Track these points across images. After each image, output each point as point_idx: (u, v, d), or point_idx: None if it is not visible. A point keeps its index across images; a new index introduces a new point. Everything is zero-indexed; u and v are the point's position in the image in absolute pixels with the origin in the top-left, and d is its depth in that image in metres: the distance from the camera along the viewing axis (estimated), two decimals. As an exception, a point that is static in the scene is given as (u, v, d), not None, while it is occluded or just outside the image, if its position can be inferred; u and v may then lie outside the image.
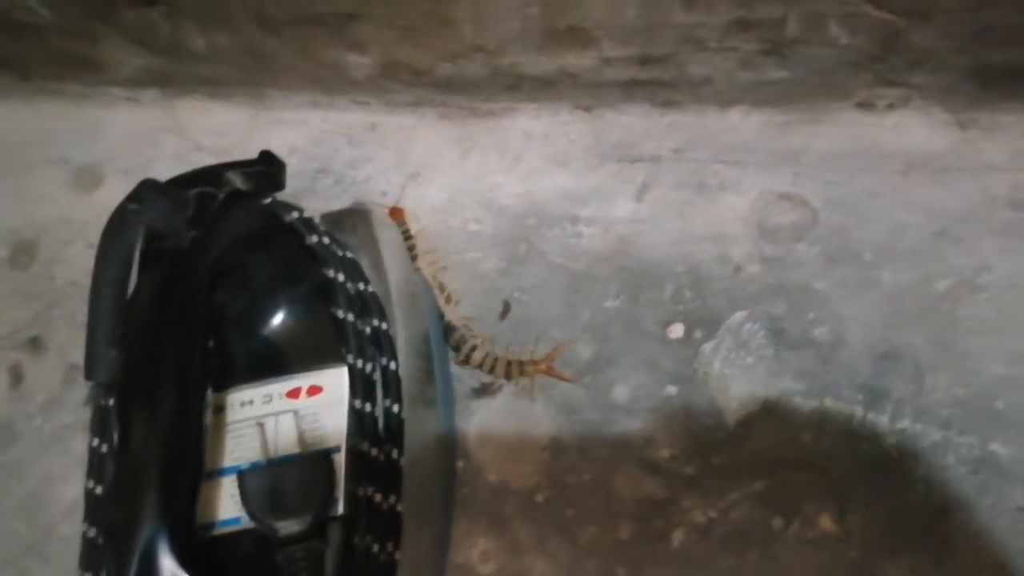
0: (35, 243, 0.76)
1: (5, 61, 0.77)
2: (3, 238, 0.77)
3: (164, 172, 0.52)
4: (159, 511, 0.42)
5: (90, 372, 0.50)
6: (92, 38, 0.70)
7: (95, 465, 0.50)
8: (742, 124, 0.62)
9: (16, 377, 0.71)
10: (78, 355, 0.69)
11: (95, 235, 0.73)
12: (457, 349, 0.61)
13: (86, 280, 0.72)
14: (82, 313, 0.71)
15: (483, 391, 0.60)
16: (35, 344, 0.72)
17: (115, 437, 0.47)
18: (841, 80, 0.57)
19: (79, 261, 0.74)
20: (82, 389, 0.69)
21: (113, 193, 0.75)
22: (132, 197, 0.49)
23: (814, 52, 0.55)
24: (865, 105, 0.59)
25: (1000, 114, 0.57)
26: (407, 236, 0.64)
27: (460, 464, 0.58)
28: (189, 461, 0.46)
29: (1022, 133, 0.57)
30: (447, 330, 0.62)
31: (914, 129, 0.59)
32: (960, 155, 0.58)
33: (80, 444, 0.67)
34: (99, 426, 0.51)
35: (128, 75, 0.73)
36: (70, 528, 0.64)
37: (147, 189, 0.50)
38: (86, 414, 0.67)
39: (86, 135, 0.78)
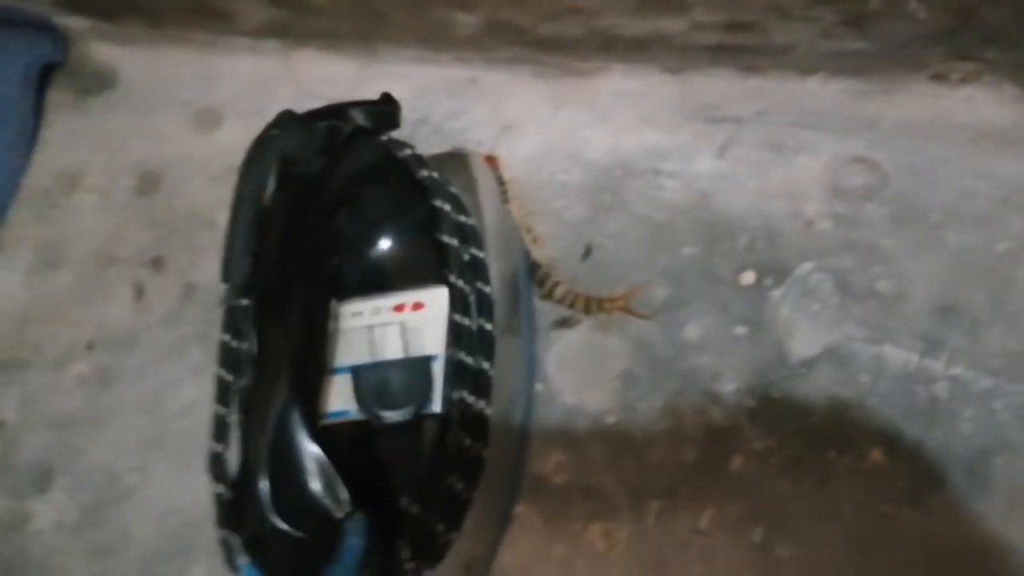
0: (159, 175, 0.84)
1: (139, 9, 0.84)
2: (131, 169, 0.85)
3: None
4: (293, 390, 0.49)
5: (226, 275, 0.57)
6: (224, -11, 0.77)
7: (225, 356, 0.57)
8: (821, 91, 0.66)
9: (139, 292, 0.79)
10: (196, 276, 0.78)
11: (214, 170, 0.82)
12: (541, 285, 0.66)
13: (205, 209, 0.81)
14: (200, 239, 0.80)
15: (563, 324, 0.66)
16: (156, 264, 0.79)
17: (251, 334, 0.54)
18: (917, 53, 0.61)
19: (198, 192, 0.81)
20: (199, 306, 0.76)
21: (232, 134, 0.83)
22: (274, 124, 0.56)
23: (893, 25, 0.59)
24: (939, 78, 0.63)
25: (1069, 92, 0.61)
26: (500, 182, 0.70)
27: (539, 387, 0.64)
28: (316, 357, 0.53)
29: (1089, 110, 0.61)
30: (533, 267, 0.67)
31: (985, 102, 0.62)
32: (1027, 128, 0.61)
33: (195, 353, 0.74)
34: (231, 324, 0.58)
35: (252, 26, 0.80)
36: (185, 425, 0.72)
37: (286, 118, 0.56)
38: (202, 328, 0.75)
39: (209, 80, 0.85)
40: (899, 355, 0.58)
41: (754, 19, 0.62)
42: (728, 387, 0.60)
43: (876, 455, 0.56)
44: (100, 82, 0.91)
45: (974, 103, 0.62)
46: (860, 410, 0.57)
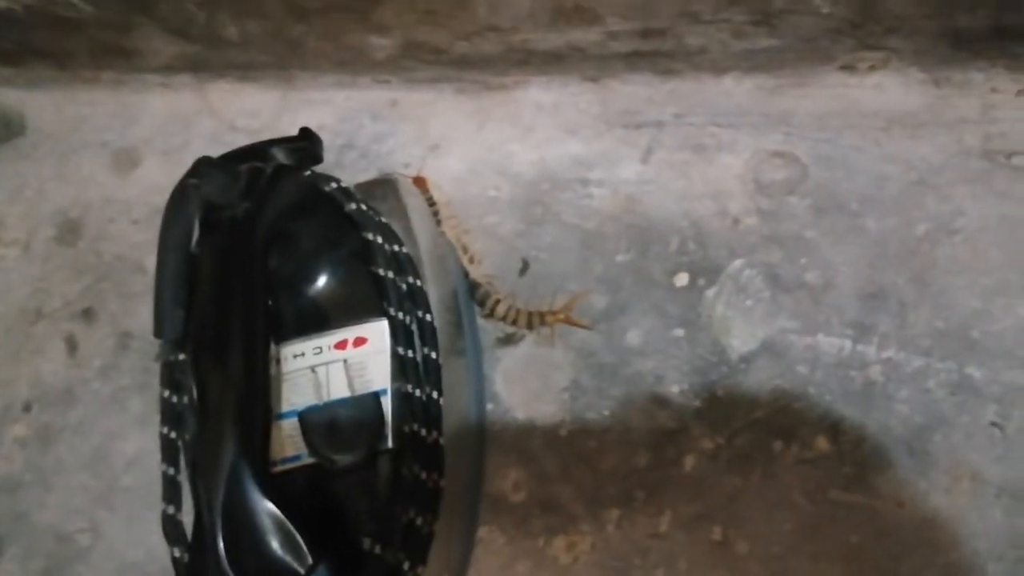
0: (80, 222, 0.81)
1: (44, 53, 0.82)
2: (49, 219, 0.82)
3: (200, 151, 0.56)
4: (240, 445, 0.48)
5: (159, 330, 0.55)
6: (129, 29, 0.75)
7: (167, 413, 0.56)
8: (736, 89, 0.67)
9: (72, 346, 0.77)
10: (129, 324, 0.76)
11: (137, 212, 0.80)
12: (482, 304, 0.66)
13: (132, 254, 0.79)
14: (130, 284, 0.78)
15: (507, 341, 0.66)
16: (88, 315, 0.77)
17: (191, 388, 0.53)
18: (825, 46, 0.63)
19: (124, 237, 0.79)
20: (136, 354, 0.74)
21: (152, 173, 0.81)
22: (191, 173, 0.55)
23: (800, 21, 0.61)
24: (848, 68, 0.64)
25: (971, 72, 0.63)
26: (431, 203, 0.70)
27: (490, 406, 0.64)
28: (260, 405, 0.52)
29: (991, 88, 0.63)
30: (472, 288, 0.67)
31: (893, 89, 0.64)
32: (935, 111, 0.63)
33: (137, 404, 0.73)
34: (169, 379, 0.56)
35: (162, 62, 0.79)
36: (132, 480, 0.70)
37: (204, 165, 0.55)
38: (141, 376, 0.74)
39: (123, 120, 0.83)
40: (833, 343, 0.60)
41: (666, 25, 0.63)
42: (673, 389, 0.61)
43: (820, 443, 0.58)
44: (7, 129, 0.88)
45: (883, 90, 0.64)
46: (801, 400, 0.59)
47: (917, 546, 0.55)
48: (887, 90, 0.64)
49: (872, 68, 0.64)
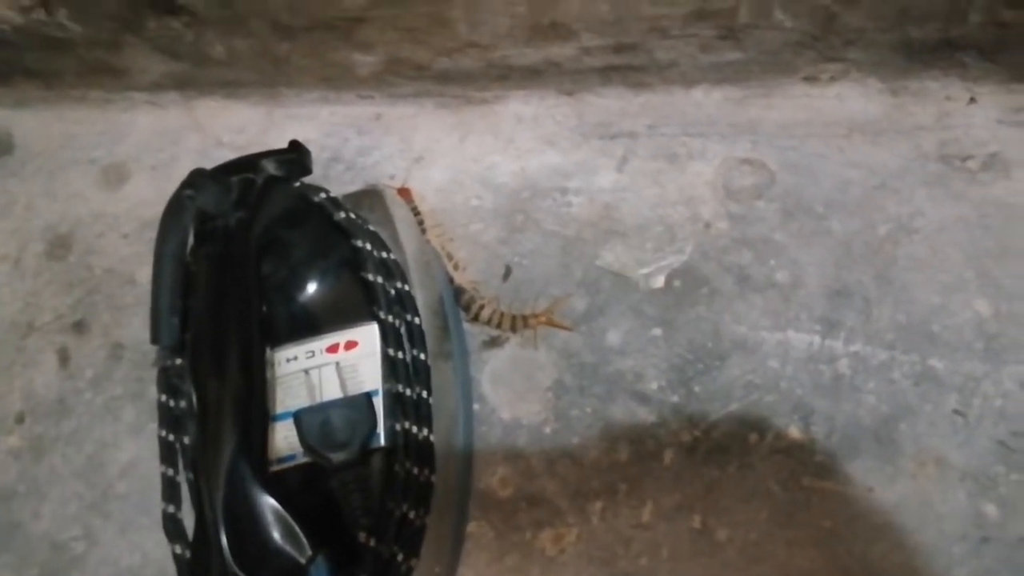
0: (70, 237, 0.83)
1: (32, 73, 0.84)
2: (39, 234, 0.84)
3: (188, 166, 0.58)
4: (240, 443, 0.50)
5: (156, 337, 0.57)
6: (117, 48, 0.77)
7: (165, 417, 0.58)
8: (705, 101, 0.71)
9: (64, 358, 0.78)
10: (121, 335, 0.78)
11: (127, 226, 0.82)
12: (467, 309, 0.69)
13: (122, 267, 0.81)
14: (121, 297, 0.80)
15: (492, 343, 0.69)
16: (79, 327, 0.79)
17: (189, 392, 0.54)
18: (788, 58, 0.66)
19: (114, 251, 0.81)
20: (128, 365, 0.76)
21: (141, 188, 0.83)
22: (187, 183, 0.57)
23: (764, 35, 0.64)
24: (810, 79, 0.68)
25: (926, 81, 0.66)
26: (416, 212, 0.72)
27: (476, 407, 0.67)
28: (258, 406, 0.54)
29: (945, 96, 0.67)
30: (457, 293, 0.70)
31: (853, 98, 0.68)
32: (893, 119, 0.67)
33: (129, 413, 0.74)
34: (166, 384, 0.58)
35: (150, 80, 0.81)
36: (126, 487, 0.72)
37: (198, 176, 0.57)
38: (134, 386, 0.75)
39: (111, 136, 0.85)
40: (802, 339, 0.63)
41: (637, 40, 0.66)
42: (652, 386, 0.64)
43: (793, 433, 0.61)
44: (-5, 148, 0.89)
45: (844, 99, 0.68)
46: (773, 394, 0.62)
47: (886, 529, 0.58)
48: (847, 99, 0.68)
49: (833, 79, 0.67)
